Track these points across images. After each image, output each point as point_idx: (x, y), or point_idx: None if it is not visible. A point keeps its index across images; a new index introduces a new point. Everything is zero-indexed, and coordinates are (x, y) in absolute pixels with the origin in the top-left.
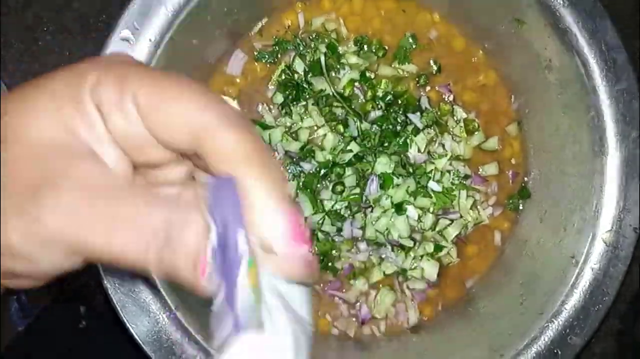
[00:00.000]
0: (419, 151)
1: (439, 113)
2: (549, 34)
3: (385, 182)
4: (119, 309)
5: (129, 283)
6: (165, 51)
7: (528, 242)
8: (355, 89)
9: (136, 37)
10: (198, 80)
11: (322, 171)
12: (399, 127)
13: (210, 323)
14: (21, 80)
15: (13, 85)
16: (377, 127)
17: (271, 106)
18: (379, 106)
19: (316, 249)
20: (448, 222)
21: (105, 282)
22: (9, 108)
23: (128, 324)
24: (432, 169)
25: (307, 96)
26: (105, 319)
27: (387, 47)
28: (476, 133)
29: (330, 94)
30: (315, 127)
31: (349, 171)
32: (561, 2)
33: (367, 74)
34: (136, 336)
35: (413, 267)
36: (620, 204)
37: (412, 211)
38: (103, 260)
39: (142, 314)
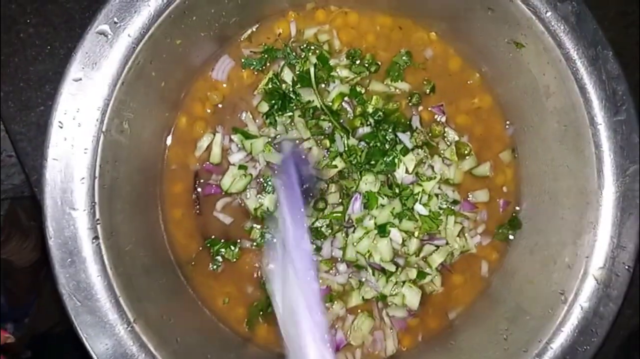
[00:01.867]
0: (407, 171)
1: (430, 134)
2: (548, 60)
3: (369, 201)
4: (72, 318)
5: (85, 291)
6: (145, 48)
7: (516, 274)
8: (344, 103)
9: (114, 32)
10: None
11: (305, 186)
12: (387, 146)
13: None
14: None
15: None
16: (365, 144)
17: (255, 115)
18: (368, 123)
19: None
20: (433, 248)
21: (59, 286)
22: None
23: (81, 335)
24: (419, 192)
25: (294, 107)
26: None
27: (380, 63)
28: (468, 157)
29: (318, 106)
30: (300, 140)
31: (332, 188)
32: (562, 28)
33: (358, 89)
34: (89, 348)
35: (394, 293)
36: (614, 241)
37: (396, 234)
38: None
39: (97, 325)
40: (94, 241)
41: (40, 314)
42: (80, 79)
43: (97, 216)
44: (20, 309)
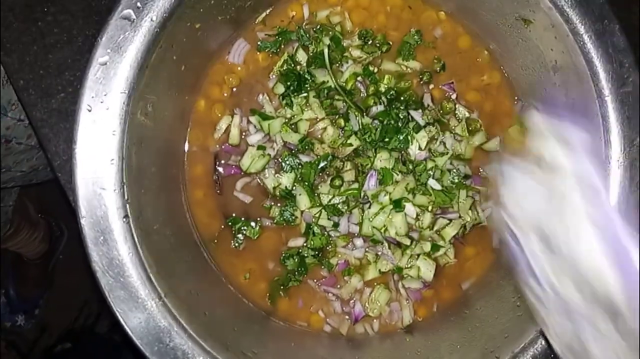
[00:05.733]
0: (419, 148)
1: (441, 111)
2: (556, 35)
3: (384, 178)
4: (106, 293)
5: (118, 267)
6: (167, 32)
7: None
8: (357, 83)
9: (138, 16)
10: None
11: (321, 164)
12: (400, 124)
13: None
14: (18, 60)
15: (9, 64)
16: (378, 123)
17: (272, 97)
18: (381, 101)
19: (312, 243)
20: (446, 222)
21: (93, 264)
22: None
23: (115, 309)
24: (432, 167)
25: (309, 88)
26: None
27: (391, 43)
28: (478, 133)
29: (332, 86)
30: (316, 120)
31: (348, 165)
32: (570, 3)
33: (370, 69)
34: (123, 323)
35: (409, 266)
36: (622, 209)
37: (410, 209)
38: None
39: (130, 301)
40: (124, 219)
41: (50, 305)
42: (106, 63)
43: (127, 196)
44: (30, 301)
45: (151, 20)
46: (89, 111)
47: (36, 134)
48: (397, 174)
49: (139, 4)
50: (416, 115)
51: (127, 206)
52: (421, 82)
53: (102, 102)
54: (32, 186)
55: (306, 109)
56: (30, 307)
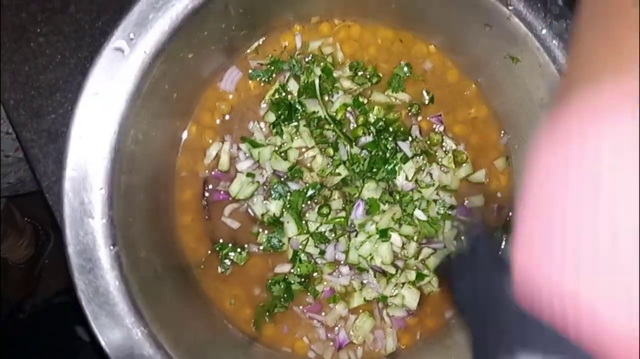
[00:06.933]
0: (406, 178)
1: (428, 143)
2: (543, 74)
3: (371, 207)
4: (91, 321)
5: (103, 296)
6: (160, 63)
7: None
8: (347, 113)
9: (131, 48)
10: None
11: (309, 192)
12: (388, 154)
13: None
14: (9, 80)
15: (0, 84)
16: (367, 153)
17: (262, 124)
18: (370, 132)
19: (298, 270)
20: (431, 251)
21: (79, 292)
22: None
23: (99, 337)
24: (418, 198)
25: (299, 117)
26: None
27: (381, 75)
28: (464, 165)
29: (322, 116)
30: (305, 149)
31: (336, 194)
32: (557, 44)
33: (360, 100)
34: (107, 350)
35: (394, 294)
36: None
37: (396, 238)
38: None
39: (115, 328)
40: (111, 247)
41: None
42: (98, 93)
43: (115, 224)
44: (15, 305)
45: (144, 52)
46: (80, 139)
47: (25, 154)
48: (384, 204)
49: (131, 35)
50: (404, 146)
51: (115, 234)
52: (410, 113)
53: (92, 130)
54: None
55: (296, 138)
56: (15, 311)
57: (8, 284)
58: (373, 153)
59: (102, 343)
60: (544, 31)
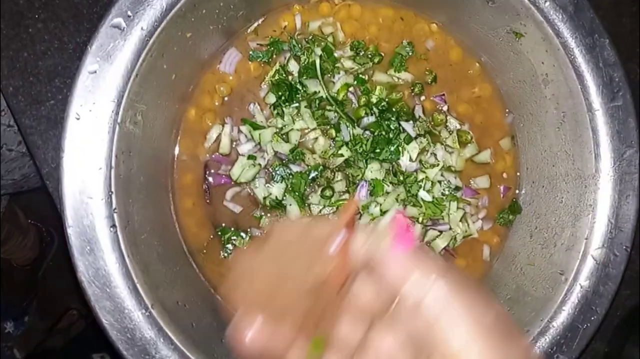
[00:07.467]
0: (410, 159)
1: (432, 123)
2: (546, 48)
3: (375, 189)
4: (92, 303)
5: (104, 277)
6: (158, 41)
7: (517, 257)
8: (349, 93)
9: (128, 25)
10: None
11: (312, 174)
12: (391, 135)
13: None
14: (7, 67)
15: None
16: (370, 134)
17: (263, 106)
18: (373, 112)
19: None
20: (437, 233)
21: (79, 274)
22: None
23: (102, 320)
24: (423, 179)
25: (300, 98)
26: None
27: (383, 54)
28: (469, 145)
29: (324, 97)
30: (307, 130)
31: (338, 176)
32: (560, 17)
33: (362, 79)
34: (109, 333)
35: None
36: (612, 222)
37: None
38: None
39: (116, 311)
40: (111, 229)
41: (39, 312)
42: (95, 72)
43: (114, 205)
44: (19, 307)
45: (141, 29)
46: (77, 119)
47: (25, 141)
48: (388, 185)
49: (129, 13)
50: (407, 126)
51: (115, 215)
52: (412, 93)
53: (90, 110)
54: (23, 193)
55: (297, 119)
56: (19, 314)
57: (11, 286)
58: (376, 134)
59: (104, 326)
60: (547, 3)
